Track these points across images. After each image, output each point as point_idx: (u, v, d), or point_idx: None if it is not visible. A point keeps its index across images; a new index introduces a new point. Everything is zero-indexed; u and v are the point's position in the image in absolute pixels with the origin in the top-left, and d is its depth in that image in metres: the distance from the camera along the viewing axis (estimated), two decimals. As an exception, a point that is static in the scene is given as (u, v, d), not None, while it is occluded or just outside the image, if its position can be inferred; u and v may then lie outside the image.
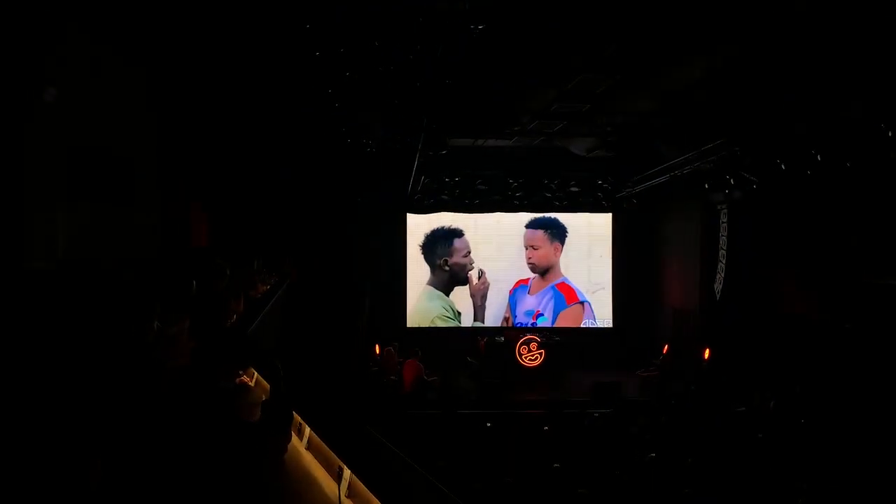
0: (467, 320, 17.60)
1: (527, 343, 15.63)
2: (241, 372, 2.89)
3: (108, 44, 8.27)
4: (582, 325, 17.73)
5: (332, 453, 2.51)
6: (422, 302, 17.61)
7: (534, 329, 16.87)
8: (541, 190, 17.05)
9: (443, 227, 17.58)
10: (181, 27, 9.46)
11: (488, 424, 11.09)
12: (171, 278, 5.34)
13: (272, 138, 13.05)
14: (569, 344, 16.23)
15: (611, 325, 17.88)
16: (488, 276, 17.63)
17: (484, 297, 17.60)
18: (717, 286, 14.18)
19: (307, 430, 2.88)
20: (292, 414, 2.81)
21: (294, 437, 2.90)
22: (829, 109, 10.01)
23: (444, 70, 8.98)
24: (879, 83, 8.94)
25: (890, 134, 9.23)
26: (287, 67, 9.83)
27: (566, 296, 17.67)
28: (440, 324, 17.45)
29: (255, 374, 3.76)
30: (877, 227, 11.84)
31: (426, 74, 8.77)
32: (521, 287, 17.73)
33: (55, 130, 6.85)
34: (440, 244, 17.58)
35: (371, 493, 2.13)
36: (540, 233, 17.75)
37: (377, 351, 15.30)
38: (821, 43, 8.28)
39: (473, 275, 17.54)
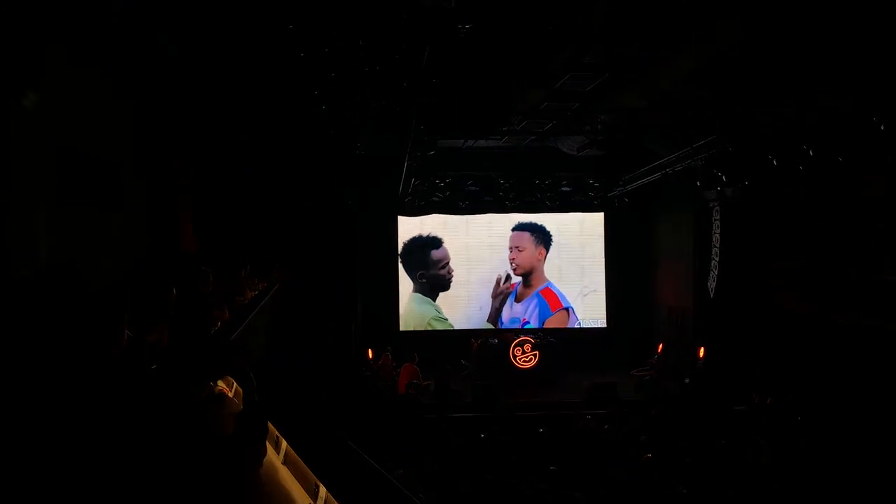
0: (458, 324, 17.50)
1: (521, 345, 15.52)
2: (213, 382, 2.75)
3: (93, 46, 8.15)
4: (575, 326, 17.64)
5: (309, 469, 2.38)
6: (412, 307, 17.50)
7: (528, 330, 16.74)
8: (532, 190, 16.92)
9: (420, 237, 17.45)
10: (167, 29, 9.34)
11: (482, 435, 10.96)
12: (150, 284, 5.20)
13: (261, 142, 12.90)
14: (563, 345, 16.12)
15: (605, 324, 17.78)
16: (478, 276, 17.56)
17: (504, 300, 17.51)
18: (711, 284, 14.10)
19: (284, 443, 2.75)
20: (267, 426, 2.68)
21: (271, 451, 2.77)
22: (821, 104, 9.94)
23: (431, 70, 8.86)
24: (870, 77, 8.87)
25: (882, 128, 9.17)
26: (272, 69, 9.70)
27: (550, 303, 17.59)
28: (437, 326, 17.36)
29: (234, 383, 3.62)
30: (869, 221, 11.79)
31: (413, 74, 8.65)
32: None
33: (41, 134, 6.73)
34: (416, 255, 17.47)
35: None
36: (526, 235, 17.67)
37: (370, 355, 15.18)
38: (811, 37, 8.19)
39: (502, 277, 17.45)
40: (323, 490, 2.22)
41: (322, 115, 11.14)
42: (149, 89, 9.95)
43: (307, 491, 2.38)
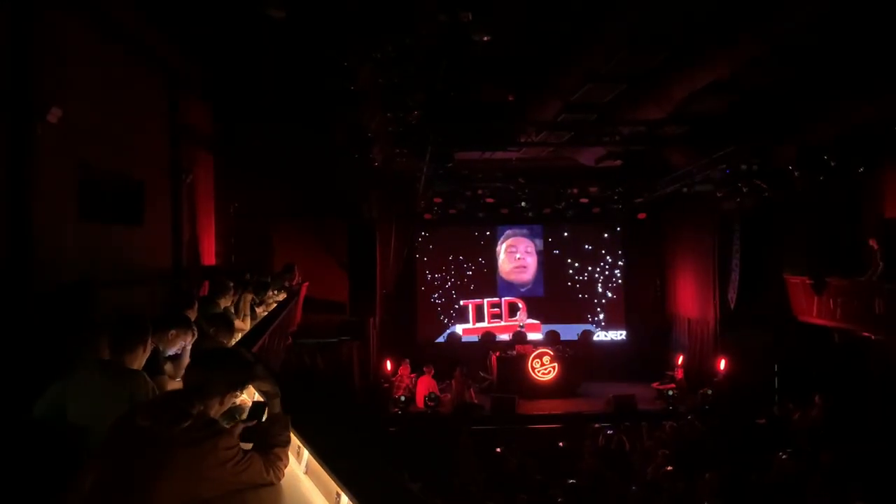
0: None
1: (540, 357, 15.43)
2: (237, 392, 2.78)
3: (122, 66, 8.32)
4: (595, 338, 17.55)
5: (330, 478, 2.39)
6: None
7: (546, 342, 16.58)
8: (550, 202, 16.83)
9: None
10: (193, 51, 9.48)
11: (498, 450, 10.90)
12: (173, 297, 5.27)
13: (281, 152, 13.02)
14: (582, 356, 16.04)
15: (624, 336, 17.68)
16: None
17: None
18: (732, 296, 13.97)
19: (305, 453, 2.76)
20: (289, 439, 2.69)
21: (292, 461, 2.78)
22: (841, 114, 9.87)
23: (448, 82, 8.91)
24: (890, 86, 8.80)
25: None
26: (291, 81, 9.80)
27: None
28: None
29: (256, 394, 3.65)
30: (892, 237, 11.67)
31: (430, 87, 8.69)
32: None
33: (65, 152, 6.85)
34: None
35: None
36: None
37: (388, 367, 15.18)
38: (831, 46, 8.15)
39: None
40: (345, 499, 2.23)
41: (340, 127, 11.24)
42: (176, 109, 10.12)
43: (329, 501, 2.39)
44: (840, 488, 8.91)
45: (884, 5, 7.15)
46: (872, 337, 11.59)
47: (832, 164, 10.27)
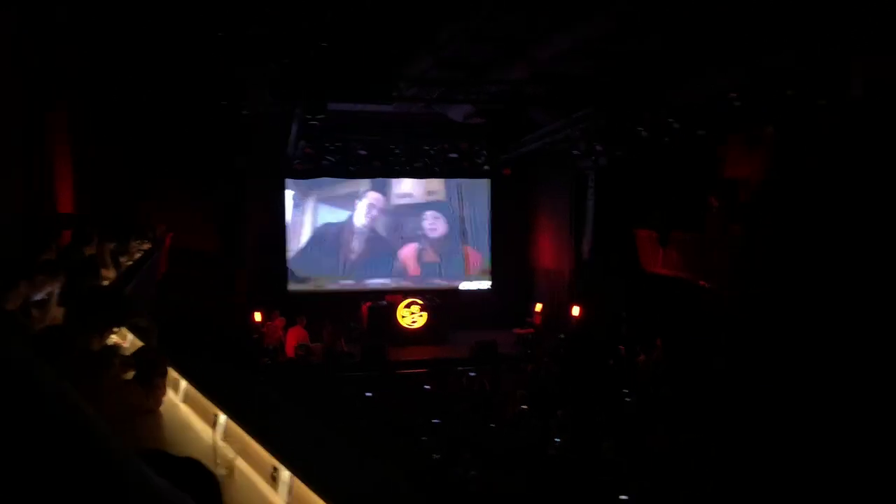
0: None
1: (409, 306, 15.93)
2: (113, 331, 2.94)
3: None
4: (460, 287, 18.21)
5: (208, 402, 2.64)
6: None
7: (415, 292, 17.07)
8: (420, 156, 17.17)
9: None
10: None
11: (368, 394, 11.28)
12: (36, 244, 5.19)
13: (147, 100, 12.52)
14: (449, 305, 16.68)
15: (489, 286, 18.47)
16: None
17: None
18: (585, 248, 14.94)
19: (182, 383, 2.98)
20: (166, 369, 2.90)
21: (170, 392, 2.99)
22: (687, 80, 10.72)
23: (320, 32, 8.94)
24: (735, 55, 9.62)
25: (737, 104, 10.04)
26: (157, 29, 9.48)
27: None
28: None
29: (129, 335, 3.79)
30: (731, 195, 12.85)
31: (302, 36, 8.71)
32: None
33: None
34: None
35: (245, 433, 2.28)
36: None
37: (258, 318, 15.15)
38: (691, 17, 8.78)
39: None
40: (222, 417, 2.49)
41: (208, 75, 10.99)
42: (34, 47, 9.50)
43: (207, 421, 2.64)
44: (675, 422, 9.95)
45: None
46: (707, 285, 12.83)
47: (676, 126, 11.17)
